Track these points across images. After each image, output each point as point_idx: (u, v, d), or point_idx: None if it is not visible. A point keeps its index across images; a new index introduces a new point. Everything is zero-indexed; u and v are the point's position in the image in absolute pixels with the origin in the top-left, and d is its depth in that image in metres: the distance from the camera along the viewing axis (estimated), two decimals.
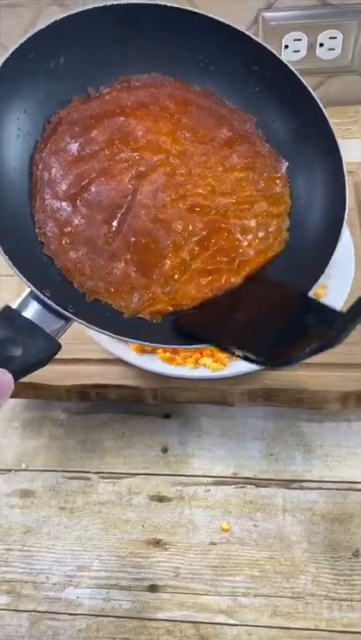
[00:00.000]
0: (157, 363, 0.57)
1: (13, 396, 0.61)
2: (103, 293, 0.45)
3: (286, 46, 0.83)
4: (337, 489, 0.55)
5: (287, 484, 0.56)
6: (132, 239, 0.45)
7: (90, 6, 0.46)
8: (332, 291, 0.60)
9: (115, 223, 0.45)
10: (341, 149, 0.47)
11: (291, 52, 0.83)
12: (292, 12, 0.80)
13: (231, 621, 0.49)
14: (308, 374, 0.56)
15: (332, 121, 0.83)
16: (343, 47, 0.82)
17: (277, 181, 0.49)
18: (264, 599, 0.50)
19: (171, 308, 0.45)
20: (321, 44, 0.82)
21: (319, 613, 0.49)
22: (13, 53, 0.43)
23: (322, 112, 0.48)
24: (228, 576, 0.52)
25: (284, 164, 0.49)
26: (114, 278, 0.45)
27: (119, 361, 0.57)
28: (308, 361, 0.55)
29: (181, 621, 0.50)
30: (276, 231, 0.48)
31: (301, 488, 0.56)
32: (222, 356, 0.56)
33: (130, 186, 0.46)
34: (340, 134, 0.87)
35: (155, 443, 0.60)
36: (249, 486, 0.56)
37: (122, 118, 0.48)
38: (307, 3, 0.79)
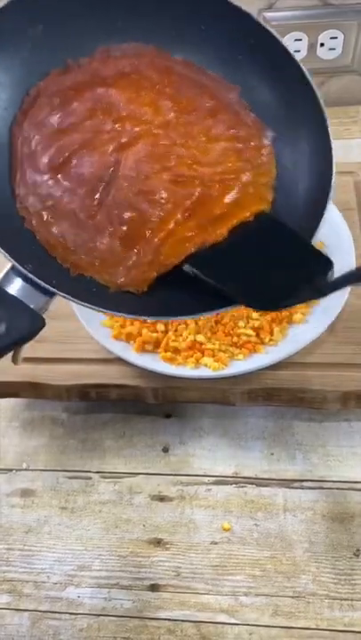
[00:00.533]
0: (158, 362, 0.57)
1: (14, 395, 0.61)
2: (87, 268, 0.44)
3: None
4: (338, 488, 0.55)
5: (288, 483, 0.56)
6: (116, 212, 0.44)
7: None
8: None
9: (97, 196, 0.45)
10: (327, 115, 0.46)
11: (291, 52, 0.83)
12: (292, 12, 0.80)
13: (232, 621, 0.49)
14: (308, 374, 0.56)
15: (332, 121, 0.83)
16: (344, 47, 0.82)
17: (263, 151, 0.48)
18: (265, 598, 0.50)
19: (155, 273, 0.44)
20: (322, 44, 0.82)
21: (320, 613, 0.49)
22: None
23: (307, 78, 0.47)
24: (229, 575, 0.52)
25: (270, 134, 0.48)
26: (98, 252, 0.44)
27: (120, 360, 0.57)
28: (308, 361, 0.56)
29: (182, 621, 0.50)
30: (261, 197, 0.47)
31: (302, 488, 0.56)
32: (223, 355, 0.56)
33: (112, 158, 0.45)
34: (341, 134, 0.88)
35: (155, 442, 0.60)
36: (250, 486, 0.56)
37: (102, 89, 0.47)
38: (307, 3, 0.79)
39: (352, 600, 0.49)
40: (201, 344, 0.57)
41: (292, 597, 0.50)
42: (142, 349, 0.57)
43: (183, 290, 0.44)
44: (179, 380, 0.56)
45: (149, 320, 0.56)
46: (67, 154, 0.45)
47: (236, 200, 0.46)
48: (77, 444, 0.61)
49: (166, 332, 0.58)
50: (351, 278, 0.43)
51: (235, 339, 0.57)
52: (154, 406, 0.60)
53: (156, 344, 0.58)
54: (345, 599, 0.50)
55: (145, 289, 0.44)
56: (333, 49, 0.83)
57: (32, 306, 0.39)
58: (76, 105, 0.47)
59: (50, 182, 0.45)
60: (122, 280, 0.44)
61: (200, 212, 0.45)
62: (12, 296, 0.39)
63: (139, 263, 0.44)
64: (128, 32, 0.48)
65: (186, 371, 0.56)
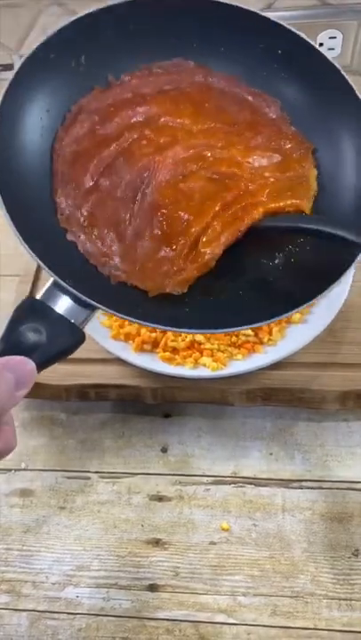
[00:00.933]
0: (157, 362, 0.57)
1: None
2: (129, 273, 0.44)
3: None
4: (336, 488, 0.55)
5: (287, 483, 0.56)
6: (156, 213, 0.45)
7: (110, 3, 0.47)
8: (332, 290, 0.60)
9: (137, 198, 0.45)
10: None
11: None
12: (291, 12, 0.80)
13: (231, 621, 0.49)
14: (307, 374, 0.56)
15: None
16: (343, 47, 0.82)
17: (304, 164, 0.48)
18: (264, 598, 0.50)
19: (196, 272, 0.44)
20: (321, 44, 0.82)
21: (318, 613, 0.49)
22: (34, 54, 0.43)
23: (349, 85, 0.46)
24: (227, 575, 0.52)
25: (310, 145, 0.48)
26: (139, 256, 0.44)
27: (119, 360, 0.57)
28: (306, 361, 0.56)
29: (181, 621, 0.50)
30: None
31: (301, 488, 0.56)
32: (222, 355, 0.56)
33: (150, 161, 0.46)
34: None
35: (154, 442, 0.60)
36: (248, 486, 0.56)
37: (142, 107, 0.48)
38: (307, 3, 0.79)
39: (351, 600, 0.49)
40: (200, 344, 0.57)
41: (291, 597, 0.50)
42: (141, 349, 0.57)
43: (223, 301, 0.45)
44: (178, 379, 0.56)
45: (190, 332, 0.55)
46: (106, 163, 0.46)
47: (273, 195, 0.46)
48: (76, 444, 0.61)
49: (165, 331, 0.58)
50: None
51: (233, 338, 0.57)
52: (153, 406, 0.60)
53: (155, 344, 0.58)
54: (343, 599, 0.50)
55: (185, 289, 0.44)
56: (333, 49, 0.82)
57: (73, 320, 0.40)
58: (116, 120, 0.48)
59: (90, 191, 0.46)
60: (163, 282, 0.44)
61: (237, 204, 0.45)
62: (54, 312, 0.39)
63: (177, 259, 0.44)
64: (170, 51, 0.49)
65: (185, 371, 0.56)
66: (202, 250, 0.45)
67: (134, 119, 0.48)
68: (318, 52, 0.47)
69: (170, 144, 0.47)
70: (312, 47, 0.48)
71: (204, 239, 0.45)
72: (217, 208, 0.45)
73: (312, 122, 0.49)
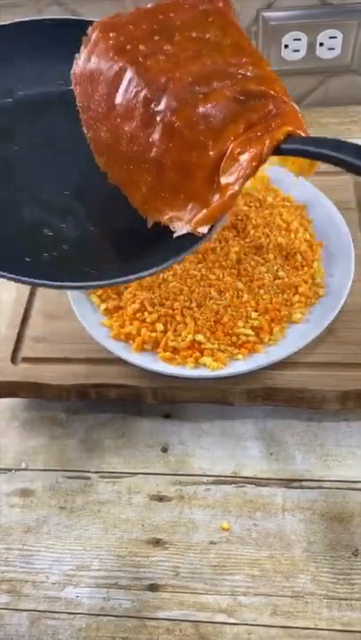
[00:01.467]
0: (157, 362, 0.57)
1: (13, 395, 0.62)
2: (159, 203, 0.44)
3: (286, 46, 0.83)
4: (337, 488, 0.55)
5: (287, 483, 0.56)
6: (171, 138, 0.42)
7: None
8: (332, 290, 0.60)
9: (153, 121, 0.43)
10: None
11: (291, 51, 0.83)
12: (291, 12, 0.80)
13: (231, 620, 0.49)
14: (307, 374, 0.56)
15: (331, 121, 0.83)
16: (343, 47, 0.82)
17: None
18: (264, 598, 0.50)
19: (218, 211, 0.42)
20: (321, 44, 0.82)
21: (319, 612, 0.49)
22: None
23: None
24: (227, 575, 0.52)
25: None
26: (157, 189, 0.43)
27: (119, 360, 0.57)
28: (307, 360, 0.56)
29: (181, 620, 0.50)
30: None
31: (301, 487, 0.56)
32: (222, 355, 0.56)
33: (166, 78, 0.43)
34: (341, 134, 0.88)
35: (155, 442, 0.60)
36: (249, 486, 0.56)
37: (163, 15, 0.46)
38: (307, 2, 0.79)
39: (351, 600, 0.49)
40: (200, 344, 0.57)
41: (291, 597, 0.50)
42: (141, 349, 0.57)
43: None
44: (178, 379, 0.56)
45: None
46: (117, 79, 0.44)
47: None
48: (77, 444, 0.61)
49: (165, 331, 0.58)
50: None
51: (234, 338, 0.57)
52: (153, 406, 0.60)
53: (155, 344, 0.58)
54: (344, 599, 0.50)
55: (206, 230, 0.43)
56: (333, 48, 0.83)
57: None
58: (132, 31, 0.46)
59: (106, 116, 0.45)
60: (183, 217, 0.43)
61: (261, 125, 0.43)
62: None
63: (197, 194, 0.42)
64: None
65: (185, 370, 0.56)
66: (223, 180, 0.41)
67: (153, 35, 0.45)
68: None
69: (191, 59, 0.44)
70: None
71: (223, 166, 0.41)
72: (240, 130, 0.42)
73: None
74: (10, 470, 0.60)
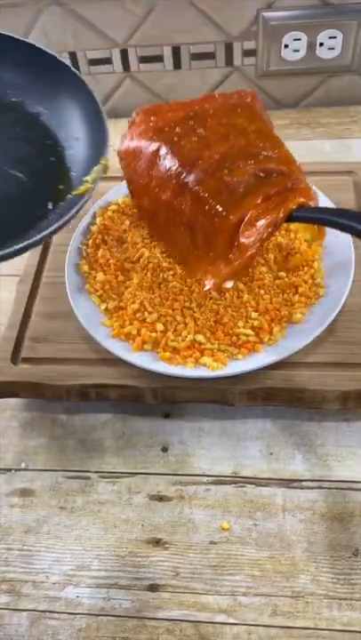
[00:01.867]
0: (157, 362, 0.57)
1: (13, 395, 0.62)
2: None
3: (286, 46, 0.83)
4: (337, 488, 0.55)
5: (287, 483, 0.56)
6: (197, 205, 0.50)
7: None
8: (332, 290, 0.60)
9: (181, 189, 0.51)
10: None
11: (291, 51, 0.83)
12: (291, 12, 0.80)
13: (231, 620, 0.49)
14: (307, 374, 0.56)
15: (331, 121, 0.84)
16: (343, 47, 0.82)
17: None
18: (264, 598, 0.50)
19: (239, 269, 0.51)
20: (321, 44, 0.82)
21: (319, 613, 0.49)
22: None
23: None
24: (228, 575, 0.52)
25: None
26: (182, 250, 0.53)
27: (119, 360, 0.57)
28: (307, 361, 0.56)
29: (181, 620, 0.50)
30: None
31: (301, 487, 0.56)
32: (222, 355, 0.56)
33: (196, 154, 0.51)
34: (340, 134, 0.88)
35: (155, 442, 0.60)
36: (249, 485, 0.56)
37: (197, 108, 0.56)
38: (307, 2, 0.80)
39: (351, 600, 0.49)
40: (200, 344, 0.57)
41: (291, 597, 0.50)
42: (141, 349, 0.57)
43: None
44: (178, 379, 0.56)
45: None
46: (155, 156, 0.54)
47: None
48: (77, 444, 0.61)
49: (165, 331, 0.58)
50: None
51: (234, 338, 0.57)
52: (153, 406, 0.60)
53: (155, 344, 0.58)
54: (344, 599, 0.50)
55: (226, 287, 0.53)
56: (333, 48, 0.83)
57: None
58: (170, 116, 0.55)
59: (145, 187, 0.54)
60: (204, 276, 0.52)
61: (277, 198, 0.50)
62: None
63: (218, 257, 0.51)
64: None
65: (185, 371, 0.56)
66: (242, 241, 0.48)
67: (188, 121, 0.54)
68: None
69: (219, 141, 0.52)
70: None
71: (242, 229, 0.48)
72: (258, 201, 0.49)
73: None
74: (10, 470, 0.60)
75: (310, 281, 0.60)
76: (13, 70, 0.50)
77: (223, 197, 0.49)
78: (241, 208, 0.48)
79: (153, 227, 0.59)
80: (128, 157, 0.57)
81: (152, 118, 0.55)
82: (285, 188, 0.50)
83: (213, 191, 0.50)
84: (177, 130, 0.53)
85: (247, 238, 0.48)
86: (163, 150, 0.53)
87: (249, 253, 0.49)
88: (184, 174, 0.51)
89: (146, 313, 0.59)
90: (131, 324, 0.58)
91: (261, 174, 0.50)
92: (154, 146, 0.54)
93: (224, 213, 0.49)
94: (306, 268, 0.61)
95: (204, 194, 0.49)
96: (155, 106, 0.57)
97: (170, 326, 0.58)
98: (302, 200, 0.49)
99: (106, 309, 0.61)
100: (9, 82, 0.50)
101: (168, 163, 0.52)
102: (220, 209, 0.49)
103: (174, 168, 0.51)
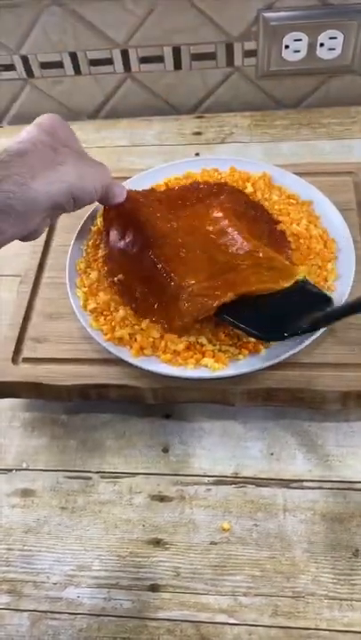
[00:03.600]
0: (158, 363, 0.56)
1: (14, 395, 0.61)
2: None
3: (287, 46, 0.83)
4: (337, 488, 0.55)
5: (288, 483, 0.56)
6: (153, 268, 0.58)
7: None
8: (333, 290, 0.60)
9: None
10: None
11: (291, 51, 0.83)
12: (292, 12, 0.80)
13: (232, 621, 0.49)
14: (308, 374, 0.56)
15: (332, 121, 0.84)
16: (344, 47, 0.82)
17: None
18: (265, 599, 0.50)
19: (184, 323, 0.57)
20: (321, 44, 0.82)
21: (320, 613, 0.49)
22: None
23: None
24: (228, 575, 0.52)
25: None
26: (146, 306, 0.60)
27: (120, 361, 0.57)
28: (308, 361, 0.56)
29: (182, 621, 0.50)
30: None
31: (302, 488, 0.56)
32: (223, 356, 0.56)
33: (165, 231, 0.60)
34: (341, 134, 0.88)
35: (155, 442, 0.60)
36: (249, 486, 0.56)
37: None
38: (307, 3, 0.80)
39: (351, 600, 0.49)
40: (201, 345, 0.57)
41: (292, 597, 0.50)
42: (140, 354, 0.57)
43: None
44: (179, 380, 0.56)
45: None
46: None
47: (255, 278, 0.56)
48: (77, 444, 0.61)
49: (162, 336, 0.57)
50: (344, 311, 0.54)
51: (235, 339, 0.57)
52: (154, 406, 0.60)
53: (154, 348, 0.57)
54: (344, 599, 0.50)
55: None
56: (333, 49, 0.83)
57: None
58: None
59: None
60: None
61: (221, 276, 0.56)
62: None
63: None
64: None
65: (186, 371, 0.56)
66: (180, 306, 0.55)
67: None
68: None
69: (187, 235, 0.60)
70: None
71: (184, 296, 0.54)
72: (204, 275, 0.56)
73: None
74: (11, 470, 0.60)
75: (322, 283, 0.60)
76: None
77: (173, 265, 0.56)
78: (186, 277, 0.55)
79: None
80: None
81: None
82: (232, 267, 0.56)
83: (167, 259, 0.57)
84: (157, 214, 0.61)
85: (185, 305, 0.54)
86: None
87: (186, 320, 0.55)
88: (147, 249, 0.58)
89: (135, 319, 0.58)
90: (121, 328, 0.58)
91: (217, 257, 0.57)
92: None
93: (169, 279, 0.56)
94: (318, 271, 0.61)
95: (157, 261, 0.57)
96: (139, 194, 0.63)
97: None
98: (231, 294, 0.54)
99: (91, 310, 0.60)
100: None
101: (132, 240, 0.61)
102: (168, 275, 0.56)
103: (138, 242, 0.60)
